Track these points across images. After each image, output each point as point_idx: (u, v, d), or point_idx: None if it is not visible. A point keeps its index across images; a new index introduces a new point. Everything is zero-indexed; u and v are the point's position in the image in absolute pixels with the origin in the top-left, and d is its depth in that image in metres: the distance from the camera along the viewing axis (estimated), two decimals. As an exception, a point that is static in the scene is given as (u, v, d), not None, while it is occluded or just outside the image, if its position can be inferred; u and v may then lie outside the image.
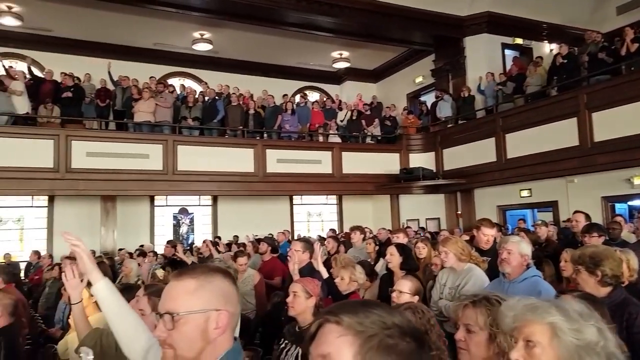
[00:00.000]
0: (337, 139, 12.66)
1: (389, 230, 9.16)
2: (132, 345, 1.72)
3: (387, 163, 12.48)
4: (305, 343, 0.98)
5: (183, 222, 13.41)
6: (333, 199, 15.01)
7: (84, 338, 2.56)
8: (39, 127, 10.06)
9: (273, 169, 11.39)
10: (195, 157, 10.65)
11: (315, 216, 14.94)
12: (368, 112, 13.14)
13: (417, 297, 3.02)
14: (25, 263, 10.18)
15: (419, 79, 14.38)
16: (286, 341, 2.94)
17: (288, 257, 4.39)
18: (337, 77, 15.78)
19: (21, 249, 11.38)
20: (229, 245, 9.95)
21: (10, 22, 10.49)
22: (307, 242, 4.51)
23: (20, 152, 9.21)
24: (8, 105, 9.40)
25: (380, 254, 6.22)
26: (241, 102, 11.88)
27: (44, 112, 10.29)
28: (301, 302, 2.93)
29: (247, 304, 5.13)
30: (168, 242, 10.68)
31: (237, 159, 11.08)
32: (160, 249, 10.42)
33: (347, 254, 6.05)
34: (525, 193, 10.60)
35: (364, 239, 7.15)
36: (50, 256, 9.43)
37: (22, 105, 9.56)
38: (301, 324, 2.93)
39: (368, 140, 12.96)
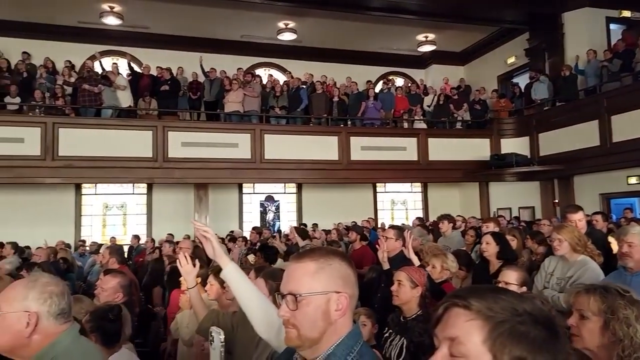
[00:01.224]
0: (423, 125, 12.31)
1: (479, 219, 8.80)
2: (264, 324, 1.78)
3: (476, 149, 11.96)
4: (430, 325, 0.98)
5: (269, 210, 13.78)
6: (418, 186, 14.68)
7: (203, 320, 2.68)
8: (138, 119, 10.77)
9: (357, 156, 11.33)
10: (282, 146, 10.86)
11: (400, 204, 14.71)
12: (456, 97, 12.64)
13: (524, 289, 2.83)
14: (128, 246, 10.99)
15: (511, 60, 13.56)
16: (390, 331, 2.88)
17: (377, 245, 4.31)
18: (422, 61, 15.31)
19: (124, 234, 12.27)
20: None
21: (112, 21, 11.25)
22: (399, 230, 4.40)
23: (123, 143, 9.91)
24: (113, 99, 10.15)
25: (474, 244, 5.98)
26: (325, 90, 11.91)
27: (142, 105, 10.98)
28: (406, 292, 2.85)
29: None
30: (253, 228, 11.04)
31: (321, 147, 11.16)
32: (248, 234, 10.80)
33: (437, 243, 5.86)
34: (633, 180, 9.69)
35: (453, 228, 6.91)
36: (152, 240, 10.08)
37: (125, 99, 10.30)
38: (406, 313, 2.86)
39: (456, 125, 12.48)
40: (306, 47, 13.66)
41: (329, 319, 1.27)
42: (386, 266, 3.79)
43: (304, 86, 12.06)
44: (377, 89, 13.26)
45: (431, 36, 13.75)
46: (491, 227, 5.29)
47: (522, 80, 12.98)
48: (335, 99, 11.87)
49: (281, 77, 13.32)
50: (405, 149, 11.67)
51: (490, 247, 4.03)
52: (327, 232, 9.73)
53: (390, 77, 14.97)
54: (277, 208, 13.83)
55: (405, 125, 12.49)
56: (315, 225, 11.43)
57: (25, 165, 9.37)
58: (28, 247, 8.87)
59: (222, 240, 9.50)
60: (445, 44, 14.14)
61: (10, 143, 9.24)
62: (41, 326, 1.55)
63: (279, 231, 11.60)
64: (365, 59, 14.37)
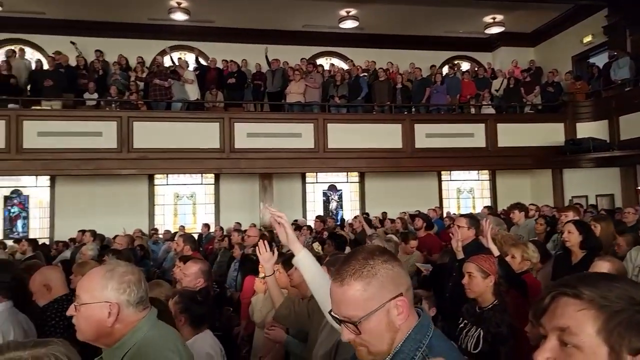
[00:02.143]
0: (491, 110, 11.83)
1: (553, 208, 8.38)
2: None
3: (549, 134, 11.37)
4: (536, 314, 0.95)
5: (332, 199, 13.82)
6: (485, 174, 14.18)
7: (280, 307, 2.73)
8: (206, 111, 11.10)
9: (421, 144, 11.10)
10: (344, 135, 10.83)
11: (466, 193, 14.28)
12: (527, 79, 12.04)
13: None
14: (197, 235, 11.40)
15: (587, 39, 12.71)
16: (465, 321, 2.81)
17: (451, 234, 4.21)
18: (489, 44, 14.69)
19: (193, 222, 12.74)
20: (381, 222, 9.99)
21: (180, 17, 11.62)
22: (473, 218, 4.27)
23: (192, 134, 10.25)
24: (182, 93, 10.53)
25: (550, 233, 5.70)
26: (388, 77, 11.72)
27: (209, 98, 11.31)
28: (478, 283, 2.77)
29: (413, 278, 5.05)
30: (317, 217, 11.11)
31: (384, 135, 11.02)
32: (311, 223, 10.89)
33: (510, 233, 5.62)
34: None
35: (526, 217, 6.63)
36: (221, 228, 10.40)
37: (193, 92, 10.65)
38: (482, 304, 2.78)
39: (526, 109, 11.90)
40: (368, 35, 13.48)
41: (394, 327, 1.23)
42: (460, 255, 3.68)
43: (365, 74, 11.94)
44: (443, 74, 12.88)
45: (499, 17, 13.14)
46: (570, 215, 5.01)
47: (599, 60, 12.15)
48: (399, 85, 11.66)
49: (343, 66, 13.24)
50: (472, 135, 11.28)
51: (572, 237, 3.82)
52: (392, 221, 9.64)
53: (456, 62, 14.50)
54: (340, 197, 13.85)
55: (472, 110, 12.06)
56: (384, 214, 11.32)
57: (103, 157, 9.92)
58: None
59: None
60: (514, 25, 13.47)
61: (89, 137, 9.81)
62: (122, 315, 1.59)
63: (342, 220, 11.61)
64: (430, 44, 13.99)
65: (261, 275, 3.53)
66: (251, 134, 10.52)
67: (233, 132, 10.43)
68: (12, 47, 11.83)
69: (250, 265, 4.74)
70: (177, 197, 13.01)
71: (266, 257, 2.62)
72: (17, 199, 12.14)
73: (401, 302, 1.23)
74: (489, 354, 2.58)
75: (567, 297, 0.90)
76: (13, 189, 12.10)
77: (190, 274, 3.35)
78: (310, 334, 2.62)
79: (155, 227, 11.91)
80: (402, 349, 1.23)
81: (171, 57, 11.61)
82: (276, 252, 2.78)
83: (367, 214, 11.33)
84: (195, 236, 11.17)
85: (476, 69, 13.21)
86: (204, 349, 2.44)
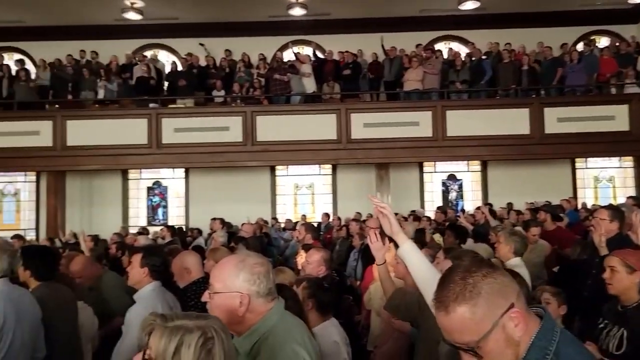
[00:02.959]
0: (636, 89, 10.51)
1: None
2: None
3: None
4: None
5: (452, 189, 13.35)
6: (629, 161, 12.66)
7: (390, 297, 2.71)
8: (323, 103, 11.33)
9: (552, 129, 10.23)
10: (464, 122, 10.37)
11: (605, 182, 12.90)
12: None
13: None
14: (317, 224, 11.73)
15: None
16: (606, 321, 2.56)
17: (591, 228, 3.83)
18: (632, 15, 13.02)
19: (312, 212, 13.12)
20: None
21: (298, 12, 11.95)
22: (616, 210, 3.84)
23: (310, 126, 10.53)
24: (300, 86, 10.87)
25: None
26: (513, 59, 10.96)
27: (326, 90, 11.52)
28: (622, 279, 2.50)
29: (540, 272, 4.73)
30: (438, 208, 10.82)
31: (509, 121, 10.35)
32: (430, 214, 10.64)
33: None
34: None
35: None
36: (339, 218, 10.59)
37: (310, 85, 10.94)
38: (624, 302, 2.51)
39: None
40: (491, 15, 12.65)
41: (514, 341, 1.13)
42: (604, 251, 3.33)
43: (487, 57, 11.28)
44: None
45: (646, -18, 11.59)
46: None
47: None
48: (525, 67, 10.83)
49: (463, 50, 12.65)
50: (613, 118, 10.14)
51: None
52: (518, 212, 9.05)
53: (592, 37, 13.08)
54: (460, 187, 13.33)
55: (613, 90, 10.82)
56: (510, 204, 10.68)
57: (230, 150, 10.61)
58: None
59: (405, 219, 9.50)
60: (665, -10, 11.79)
61: (218, 131, 10.54)
62: (252, 305, 1.63)
63: (463, 210, 11.16)
64: (561, 20, 12.77)
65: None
66: (367, 124, 10.51)
67: (349, 122, 10.52)
68: (152, 51, 13.12)
69: (371, 254, 4.74)
70: (297, 187, 13.48)
71: (377, 246, 2.59)
72: (157, 189, 13.50)
73: (515, 313, 1.14)
74: (633, 356, 2.34)
75: None
76: (154, 180, 13.47)
77: (313, 262, 3.45)
78: (422, 327, 2.55)
79: (277, 216, 12.48)
80: (527, 358, 1.13)
81: (292, 50, 12.02)
82: (387, 242, 2.74)
83: (491, 205, 10.76)
84: (315, 225, 11.61)
85: (617, 44, 11.81)
86: (331, 337, 2.49)
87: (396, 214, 9.70)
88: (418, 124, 10.49)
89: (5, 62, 12.22)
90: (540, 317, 1.20)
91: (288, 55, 12.07)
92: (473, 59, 11.17)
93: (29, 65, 12.65)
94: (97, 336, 3.79)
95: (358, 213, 10.24)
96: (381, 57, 11.76)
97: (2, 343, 2.50)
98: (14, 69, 11.87)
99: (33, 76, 11.96)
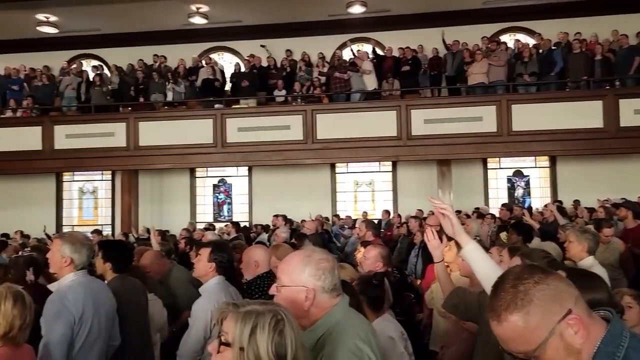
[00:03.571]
0: None
1: None
2: None
3: None
4: None
5: (518, 185, 12.88)
6: None
7: (449, 295, 2.69)
8: (383, 100, 11.28)
9: (628, 121, 9.67)
10: (531, 116, 9.98)
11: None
12: None
13: None
14: (377, 221, 11.70)
15: None
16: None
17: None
18: None
19: (373, 209, 13.09)
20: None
21: (357, 9, 11.96)
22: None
23: (370, 123, 10.52)
24: (360, 84, 10.88)
25: None
26: (585, 49, 10.39)
27: (386, 87, 11.46)
28: None
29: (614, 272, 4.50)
30: (503, 205, 10.45)
31: (581, 114, 9.84)
32: (494, 211, 10.31)
33: None
34: None
35: None
36: (399, 216, 10.52)
37: (370, 82, 10.93)
38: None
39: None
40: (561, 3, 12.06)
41: (574, 348, 1.09)
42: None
43: (557, 47, 10.77)
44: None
45: None
46: None
47: None
48: (598, 57, 10.24)
49: (530, 42, 12.14)
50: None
51: None
52: (591, 210, 8.60)
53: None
54: (527, 183, 12.83)
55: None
56: (576, 202, 10.19)
57: (291, 148, 10.82)
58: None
59: (468, 216, 9.29)
60: None
61: (279, 130, 10.77)
62: (317, 300, 1.67)
63: (530, 208, 10.74)
64: (637, 6, 11.95)
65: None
66: (428, 120, 10.36)
67: (410, 119, 10.41)
68: (217, 54, 13.59)
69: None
70: (357, 184, 13.51)
71: (434, 244, 2.57)
72: (223, 187, 13.99)
73: (573, 319, 1.09)
74: None
75: None
76: (220, 178, 13.97)
77: (370, 257, 3.48)
78: (482, 328, 2.51)
79: (337, 213, 12.57)
80: None
81: (351, 49, 12.05)
82: (445, 239, 2.72)
83: (560, 202, 10.28)
84: (375, 222, 11.59)
85: None
86: (385, 333, 2.51)
87: (459, 211, 9.57)
88: (481, 119, 10.21)
89: (83, 69, 13.10)
90: (607, 321, 1.15)
91: (347, 54, 12.10)
92: (541, 50, 10.70)
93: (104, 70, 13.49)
94: (166, 327, 4.00)
95: (419, 210, 10.11)
96: (442, 51, 11.53)
97: (81, 331, 2.68)
98: (91, 74, 12.68)
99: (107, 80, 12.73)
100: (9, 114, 12.19)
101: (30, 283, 3.60)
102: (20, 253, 6.16)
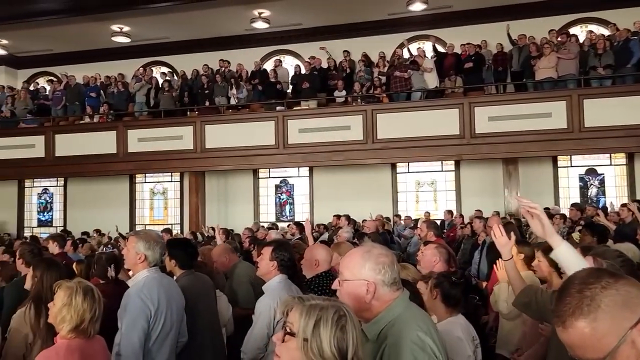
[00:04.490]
0: None
1: None
2: None
3: None
4: None
5: (591, 184, 12.20)
6: None
7: (519, 294, 2.62)
8: (445, 98, 11.04)
9: None
10: (607, 110, 9.42)
11: None
12: None
13: None
14: (439, 221, 11.47)
15: None
16: None
17: None
18: None
19: (435, 209, 12.85)
20: None
21: (418, 7, 11.75)
22: None
23: (431, 122, 10.34)
24: (421, 82, 10.72)
25: None
26: (666, 38, 9.68)
27: (448, 84, 11.21)
28: None
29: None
30: (573, 205, 9.95)
31: (662, 108, 9.17)
32: (565, 211, 9.84)
33: None
34: None
35: None
36: (462, 216, 10.27)
37: (432, 80, 10.74)
38: None
39: None
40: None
41: None
42: None
43: (635, 37, 10.09)
44: None
45: None
46: None
47: None
48: (681, 46, 9.51)
49: (604, 32, 11.45)
50: None
51: None
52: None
53: None
54: (602, 182, 12.12)
55: None
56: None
57: (351, 149, 10.84)
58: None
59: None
60: None
61: (339, 131, 10.82)
62: (378, 293, 1.73)
63: (605, 208, 10.15)
64: None
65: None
66: (493, 118, 10.04)
67: (473, 117, 10.13)
68: (278, 57, 13.86)
69: (497, 253, 4.57)
70: (418, 184, 13.31)
71: (502, 241, 2.52)
72: (284, 187, 14.25)
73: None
74: None
75: None
76: (281, 179, 14.24)
77: (427, 255, 3.49)
78: (554, 329, 2.41)
79: (398, 213, 12.45)
80: None
81: (408, 49, 11.91)
82: (513, 237, 2.65)
83: (639, 201, 9.63)
84: (437, 222, 11.37)
85: None
86: (454, 332, 2.49)
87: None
88: (550, 115, 9.76)
89: (153, 75, 13.80)
90: None
91: (407, 52, 11.96)
92: (615, 42, 10.07)
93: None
94: (232, 323, 4.14)
95: (478, 210, 9.82)
96: (507, 46, 11.14)
97: (156, 324, 2.82)
98: (160, 81, 13.34)
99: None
100: (87, 119, 13.04)
101: (111, 279, 3.85)
102: (102, 249, 6.60)
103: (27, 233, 14.77)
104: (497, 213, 10.40)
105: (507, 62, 10.99)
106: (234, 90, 12.11)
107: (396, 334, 1.68)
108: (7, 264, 4.77)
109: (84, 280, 2.53)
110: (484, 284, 5.08)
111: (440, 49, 12.05)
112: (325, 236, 9.04)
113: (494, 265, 3.65)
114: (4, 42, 14.08)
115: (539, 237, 2.17)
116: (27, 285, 3.19)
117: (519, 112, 9.89)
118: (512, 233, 2.58)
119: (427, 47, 12.36)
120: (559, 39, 10.67)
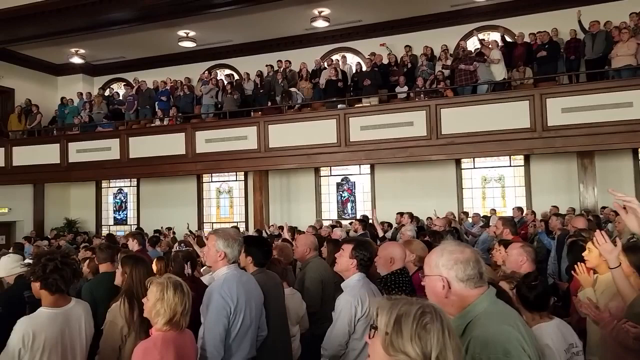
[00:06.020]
0: None
1: None
2: None
3: None
4: None
5: (677, 178, 11.31)
6: None
7: (631, 305, 2.47)
8: (513, 90, 10.61)
9: None
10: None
11: None
12: None
13: None
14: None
15: None
16: None
17: None
18: None
19: (503, 205, 12.41)
20: None
21: (480, -3, 11.42)
22: None
23: (499, 116, 9.97)
24: (488, 74, 10.35)
25: None
26: None
27: (517, 76, 10.76)
28: None
29: None
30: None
31: None
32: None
33: None
34: None
35: None
36: (533, 212, 9.84)
37: (499, 72, 10.35)
38: None
39: None
40: None
41: None
42: None
43: None
44: None
45: None
46: None
47: None
48: None
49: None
50: None
51: None
52: None
53: None
54: (689, 176, 11.21)
55: None
56: None
57: (414, 145, 10.64)
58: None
59: (616, 214, 8.37)
60: None
61: (402, 127, 10.65)
62: (453, 288, 1.79)
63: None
64: None
65: (588, 263, 3.19)
66: (566, 109, 9.52)
67: (545, 109, 9.66)
68: (338, 55, 13.87)
69: (578, 252, 4.32)
70: (485, 180, 12.89)
71: (607, 247, 2.37)
72: (346, 185, 14.24)
73: None
74: None
75: None
76: (343, 176, 14.24)
77: (513, 255, 3.38)
78: None
79: (465, 210, 12.11)
80: None
81: (478, 37, 11.55)
82: (619, 243, 2.48)
83: None
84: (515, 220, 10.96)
85: None
86: (543, 340, 2.37)
87: (604, 207, 8.71)
88: (631, 104, 9.13)
89: (218, 78, 14.22)
90: None
91: (472, 44, 11.58)
92: None
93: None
94: (307, 319, 4.17)
95: (554, 206, 9.35)
96: (580, 34, 10.54)
97: (236, 320, 2.89)
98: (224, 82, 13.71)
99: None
100: (157, 122, 13.63)
101: (188, 275, 4.00)
102: (176, 247, 6.87)
103: (104, 231, 15.69)
104: (573, 210, 9.92)
105: (580, 50, 10.40)
106: (295, 90, 12.22)
107: (482, 326, 1.71)
108: (93, 260, 5.07)
109: (173, 276, 2.64)
110: (566, 285, 4.82)
111: (507, 39, 11.60)
112: (389, 234, 8.95)
113: (575, 267, 3.46)
114: (82, 51, 14.99)
115: (635, 233, 2.01)
116: (117, 281, 3.37)
117: (595, 103, 9.34)
118: (617, 239, 2.43)
119: (493, 37, 11.92)
120: (638, 23, 9.96)
